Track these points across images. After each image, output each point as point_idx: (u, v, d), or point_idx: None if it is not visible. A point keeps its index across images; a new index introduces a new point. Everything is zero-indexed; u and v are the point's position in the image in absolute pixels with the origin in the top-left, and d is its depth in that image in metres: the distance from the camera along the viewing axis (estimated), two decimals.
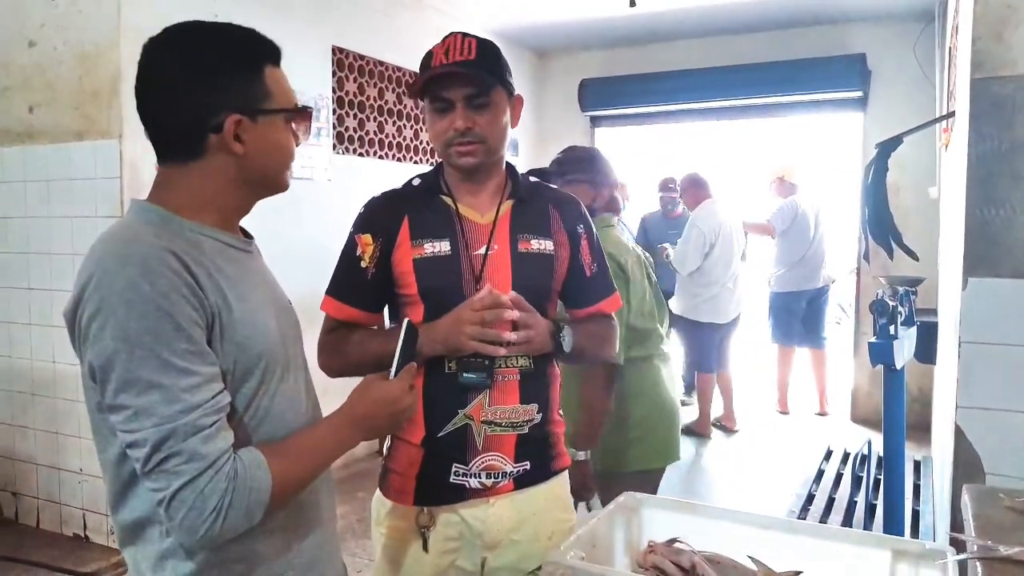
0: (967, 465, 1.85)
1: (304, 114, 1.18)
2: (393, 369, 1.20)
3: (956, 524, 1.78)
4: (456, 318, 1.41)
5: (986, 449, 1.83)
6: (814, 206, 5.72)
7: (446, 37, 1.48)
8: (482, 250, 1.49)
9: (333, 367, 1.53)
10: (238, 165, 1.11)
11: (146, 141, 1.12)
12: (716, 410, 5.53)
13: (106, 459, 1.07)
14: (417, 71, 1.50)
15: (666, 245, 5.57)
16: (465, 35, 1.47)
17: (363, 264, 1.50)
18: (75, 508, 3.51)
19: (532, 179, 1.62)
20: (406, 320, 1.24)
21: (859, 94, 5.66)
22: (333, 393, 1.23)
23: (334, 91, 4.53)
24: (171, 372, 0.97)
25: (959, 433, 1.86)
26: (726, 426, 5.53)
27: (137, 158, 3.30)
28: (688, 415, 5.52)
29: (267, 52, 1.13)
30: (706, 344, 5.34)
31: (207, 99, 1.07)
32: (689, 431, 5.40)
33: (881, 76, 5.61)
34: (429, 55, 1.48)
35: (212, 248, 1.09)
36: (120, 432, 0.99)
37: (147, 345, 0.96)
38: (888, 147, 2.88)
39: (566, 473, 1.63)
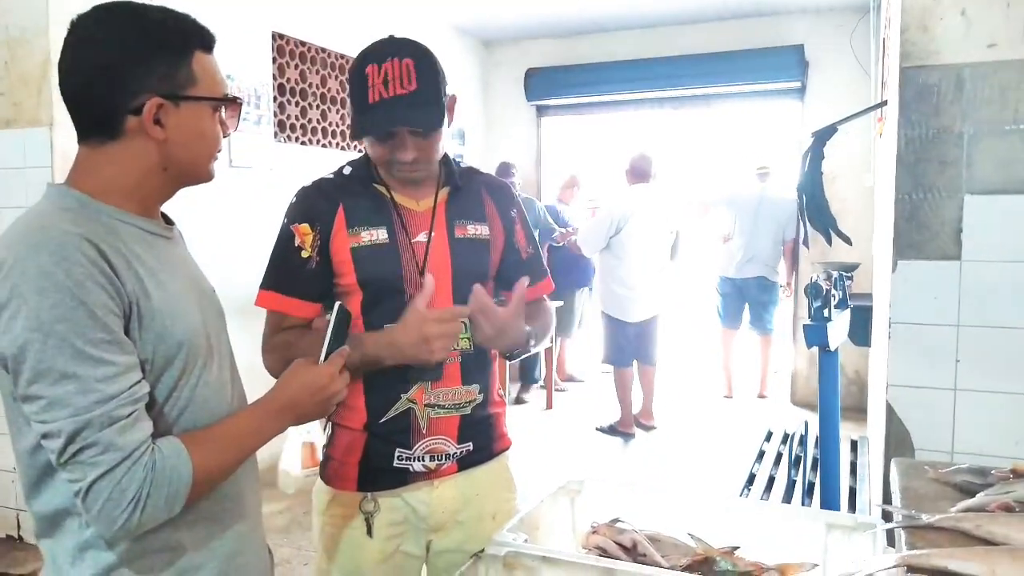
0: (898, 441, 1.92)
1: (232, 104, 1.15)
2: (323, 353, 1.19)
3: (887, 497, 1.85)
4: (421, 335, 1.35)
5: (915, 425, 1.91)
6: (769, 198, 5.76)
7: (381, 56, 1.38)
8: (422, 237, 1.49)
9: (272, 369, 1.47)
10: (159, 151, 1.08)
11: (74, 125, 1.09)
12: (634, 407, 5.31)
13: (20, 449, 1.05)
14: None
15: (569, 228, 5.56)
16: (400, 55, 1.38)
17: (304, 254, 1.47)
18: (8, 509, 3.40)
19: (464, 165, 1.62)
20: (337, 304, 1.23)
21: (797, 84, 5.80)
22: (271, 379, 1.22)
23: (275, 78, 4.45)
24: (86, 362, 0.95)
25: (890, 410, 1.93)
26: (643, 423, 5.30)
27: (68, 146, 3.14)
28: (609, 414, 5.37)
29: (198, 37, 1.11)
30: (620, 339, 5.12)
31: (128, 79, 1.04)
32: (612, 431, 5.23)
33: (819, 67, 5.75)
34: (362, 77, 1.38)
35: (130, 235, 1.07)
36: (34, 423, 0.97)
37: (61, 334, 0.94)
38: (824, 135, 2.96)
39: (507, 454, 1.64)
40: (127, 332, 1.00)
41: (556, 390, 6.07)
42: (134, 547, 1.05)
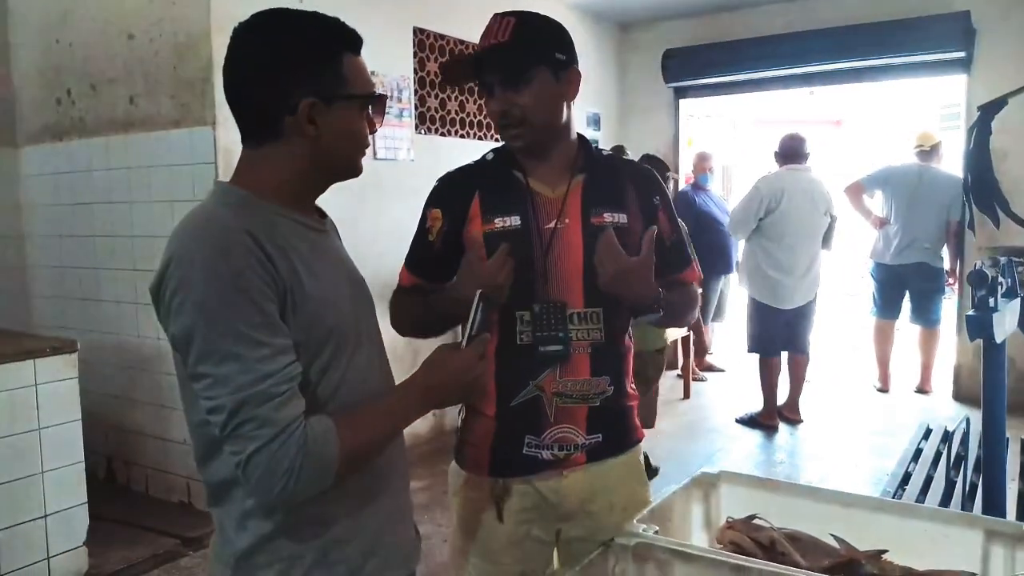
0: None
1: (379, 101, 1.21)
2: (465, 338, 1.23)
3: None
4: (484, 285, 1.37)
5: None
6: (929, 177, 5.33)
7: (490, 20, 1.47)
8: (552, 224, 1.49)
9: (396, 324, 1.60)
10: (312, 148, 1.15)
11: (237, 128, 1.18)
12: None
13: (192, 423, 1.15)
14: None
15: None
16: (505, 15, 1.45)
17: (430, 237, 1.55)
18: (180, 476, 3.72)
19: (605, 151, 1.61)
20: (479, 292, 1.26)
21: (962, 55, 5.31)
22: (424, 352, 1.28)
23: (415, 72, 4.59)
24: (246, 343, 1.02)
25: None
26: (787, 416, 5.06)
27: (230, 144, 3.43)
28: (750, 405, 5.19)
29: (347, 40, 1.17)
30: (769, 326, 4.89)
31: (284, 82, 1.12)
32: (754, 423, 5.03)
33: (987, 35, 5.24)
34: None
35: (286, 227, 1.14)
36: (201, 399, 1.06)
37: (224, 318, 1.02)
38: (991, 110, 2.74)
39: (640, 446, 1.63)
40: (282, 317, 1.08)
41: (694, 379, 5.94)
42: (289, 518, 1.12)
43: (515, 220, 1.49)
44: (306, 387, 1.10)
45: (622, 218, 1.53)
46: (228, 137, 3.43)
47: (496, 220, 1.50)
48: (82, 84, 3.92)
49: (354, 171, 1.23)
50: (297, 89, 1.11)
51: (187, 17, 3.47)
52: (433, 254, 1.56)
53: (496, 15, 1.47)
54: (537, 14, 1.48)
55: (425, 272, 1.60)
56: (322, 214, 1.27)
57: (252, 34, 1.14)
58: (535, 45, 1.45)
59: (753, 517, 1.40)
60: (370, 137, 1.22)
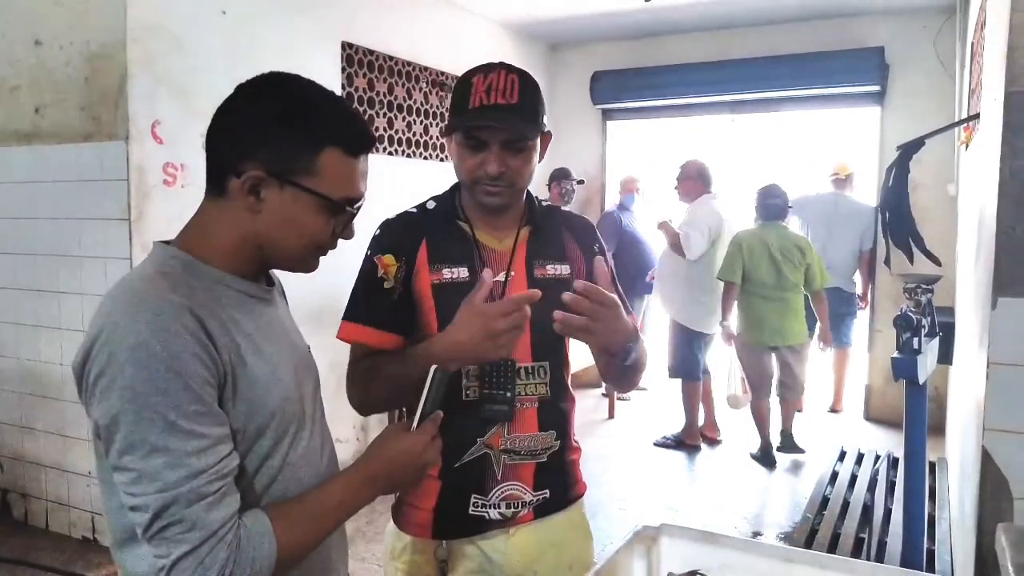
0: (994, 489, 1.80)
1: (338, 209, 1.09)
2: (416, 419, 1.15)
3: (983, 562, 1.74)
4: (486, 331, 1.26)
5: (1016, 474, 1.78)
6: (845, 205, 5.58)
7: (489, 69, 1.40)
8: (501, 276, 1.46)
9: (355, 401, 1.47)
10: (252, 222, 1.07)
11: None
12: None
13: (108, 508, 1.05)
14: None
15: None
16: (508, 70, 1.40)
17: (387, 285, 1.45)
18: (83, 511, 3.50)
19: (544, 203, 1.59)
20: (433, 367, 1.18)
21: (876, 88, 5.57)
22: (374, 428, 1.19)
23: (344, 87, 4.47)
24: (178, 435, 0.93)
25: (986, 456, 1.81)
26: (708, 436, 5.22)
27: (144, 160, 3.25)
28: (671, 427, 5.27)
29: (341, 135, 1.07)
30: (696, 351, 5.02)
31: (242, 142, 1.04)
32: (679, 443, 5.13)
33: (900, 70, 5.51)
34: (467, 84, 1.40)
35: (230, 299, 1.06)
36: (123, 493, 0.96)
37: (154, 406, 0.93)
38: (910, 149, 2.82)
39: (583, 500, 1.59)
40: (220, 402, 0.99)
41: (618, 399, 5.98)
42: None
43: (463, 272, 1.44)
44: (242, 477, 1.02)
45: (564, 270, 1.51)
46: (141, 153, 3.25)
47: (444, 271, 1.44)
48: None
49: (296, 265, 1.12)
50: (252, 155, 1.03)
51: (101, 26, 3.27)
52: (394, 302, 1.45)
53: (500, 70, 1.39)
54: (527, 72, 1.44)
55: (385, 322, 1.46)
56: (270, 280, 1.19)
57: (247, 86, 1.08)
58: (536, 111, 1.42)
59: (694, 573, 1.38)
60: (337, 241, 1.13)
